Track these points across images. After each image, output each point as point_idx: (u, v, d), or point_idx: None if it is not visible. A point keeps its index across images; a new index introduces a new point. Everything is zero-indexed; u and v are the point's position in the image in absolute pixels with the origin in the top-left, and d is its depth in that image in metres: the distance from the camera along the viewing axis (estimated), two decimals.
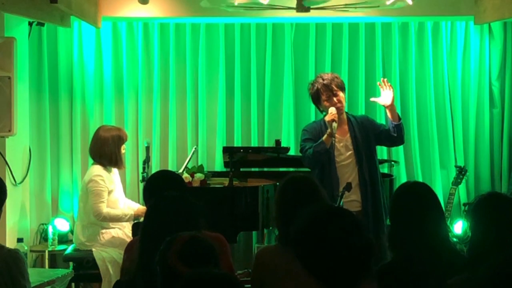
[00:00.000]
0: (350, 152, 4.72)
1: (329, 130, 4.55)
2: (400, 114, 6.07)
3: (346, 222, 2.10)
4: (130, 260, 3.14)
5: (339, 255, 2.00)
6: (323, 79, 4.71)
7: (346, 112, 4.83)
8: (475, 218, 2.83)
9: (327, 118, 4.60)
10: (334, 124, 4.53)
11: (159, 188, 3.31)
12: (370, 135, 4.76)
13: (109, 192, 5.09)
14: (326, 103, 4.69)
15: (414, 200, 3.04)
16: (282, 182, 3.25)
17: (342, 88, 4.76)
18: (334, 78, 4.74)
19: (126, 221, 5.12)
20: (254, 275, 3.12)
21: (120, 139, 5.16)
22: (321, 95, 4.70)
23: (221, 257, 2.78)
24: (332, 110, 4.61)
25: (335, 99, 4.68)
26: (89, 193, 5.03)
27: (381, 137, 4.78)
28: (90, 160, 5.78)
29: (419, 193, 3.08)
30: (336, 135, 4.64)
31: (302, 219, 2.16)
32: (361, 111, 6.10)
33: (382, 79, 4.89)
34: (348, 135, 4.74)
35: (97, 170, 5.09)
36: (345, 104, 4.77)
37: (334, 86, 4.69)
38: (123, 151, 5.23)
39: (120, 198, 5.23)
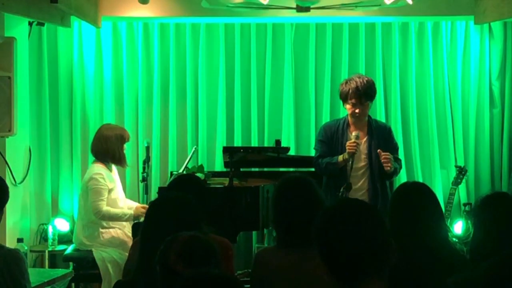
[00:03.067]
0: (363, 157, 4.71)
1: (346, 156, 4.54)
2: (400, 114, 6.14)
3: (369, 216, 2.09)
4: (132, 260, 3.15)
5: (356, 248, 1.99)
6: (357, 85, 4.62)
7: (369, 116, 4.81)
8: (478, 217, 2.83)
9: (348, 147, 4.55)
10: (353, 157, 4.51)
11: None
12: (387, 145, 4.73)
13: (109, 191, 5.09)
14: (349, 108, 4.68)
15: (413, 201, 3.04)
16: (278, 183, 3.22)
17: (372, 98, 4.73)
18: (368, 89, 4.66)
19: (125, 220, 5.13)
20: (254, 276, 3.12)
21: (122, 138, 5.20)
22: (349, 98, 4.66)
23: (224, 262, 2.78)
24: (355, 137, 4.57)
25: (358, 110, 4.65)
26: (89, 191, 5.04)
27: None
28: (90, 160, 5.79)
29: (418, 194, 3.08)
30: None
31: (328, 210, 2.15)
32: None
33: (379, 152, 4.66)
34: (365, 139, 4.73)
35: (97, 168, 5.11)
36: (368, 112, 4.76)
37: (364, 98, 4.64)
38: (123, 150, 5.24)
39: (120, 197, 5.24)
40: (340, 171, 4.61)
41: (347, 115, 4.78)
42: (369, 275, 2.00)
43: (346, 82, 4.71)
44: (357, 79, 4.67)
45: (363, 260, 1.99)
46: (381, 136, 4.74)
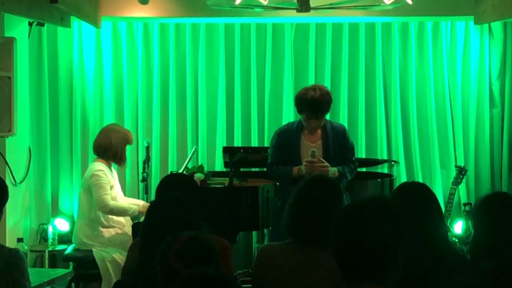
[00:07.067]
0: None
1: (302, 172, 4.45)
2: (400, 114, 6.14)
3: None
4: (132, 260, 3.15)
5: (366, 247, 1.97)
6: (313, 100, 4.46)
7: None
8: (478, 217, 2.83)
9: (306, 169, 4.44)
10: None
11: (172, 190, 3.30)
12: (342, 147, 4.66)
13: (110, 187, 5.10)
14: (304, 119, 4.57)
15: (412, 201, 3.04)
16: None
17: (327, 112, 4.61)
18: (323, 105, 4.51)
19: (131, 215, 5.12)
20: (256, 272, 3.11)
21: (126, 140, 5.22)
22: (304, 111, 4.54)
23: (223, 261, 2.78)
24: (311, 155, 4.45)
25: (314, 124, 4.56)
26: (93, 187, 5.02)
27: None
28: (90, 160, 5.79)
29: (417, 194, 3.08)
30: (306, 141, 4.60)
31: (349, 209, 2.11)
32: (361, 111, 6.11)
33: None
34: (320, 142, 4.63)
35: (98, 165, 5.11)
36: (322, 123, 4.61)
37: (319, 112, 4.51)
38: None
39: (119, 196, 5.24)
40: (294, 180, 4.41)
41: (301, 118, 4.65)
42: (378, 276, 1.97)
43: (302, 96, 4.53)
44: (313, 95, 4.47)
45: (382, 259, 1.95)
46: (336, 139, 4.63)
